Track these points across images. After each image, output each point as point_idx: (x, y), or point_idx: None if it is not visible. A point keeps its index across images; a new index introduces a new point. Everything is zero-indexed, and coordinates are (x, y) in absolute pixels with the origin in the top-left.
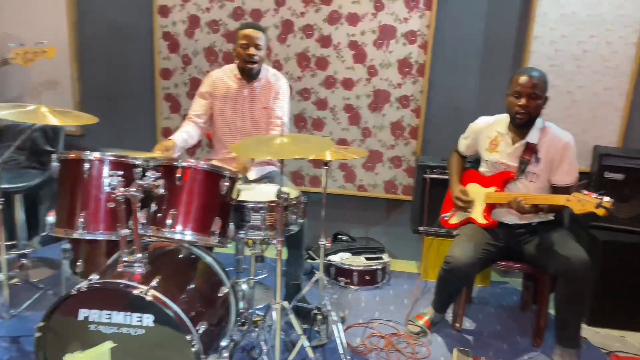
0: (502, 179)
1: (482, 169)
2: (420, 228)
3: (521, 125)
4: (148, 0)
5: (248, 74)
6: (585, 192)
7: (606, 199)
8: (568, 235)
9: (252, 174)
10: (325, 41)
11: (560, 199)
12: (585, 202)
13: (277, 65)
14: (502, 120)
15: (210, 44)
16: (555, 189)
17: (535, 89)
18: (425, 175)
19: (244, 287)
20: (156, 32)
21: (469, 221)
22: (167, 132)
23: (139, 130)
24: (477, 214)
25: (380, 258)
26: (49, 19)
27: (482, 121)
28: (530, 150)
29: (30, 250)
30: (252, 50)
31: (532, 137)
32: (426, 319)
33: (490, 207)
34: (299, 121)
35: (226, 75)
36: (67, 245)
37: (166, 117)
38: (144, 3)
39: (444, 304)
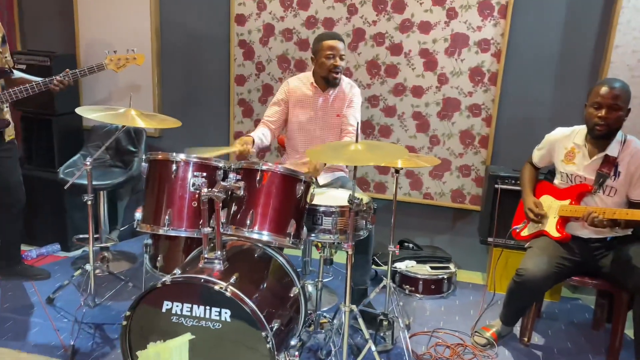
0: (578, 192)
1: (557, 181)
2: (489, 239)
3: (600, 136)
4: (226, 9)
5: (332, 84)
6: None
7: None
8: None
9: (321, 179)
10: (395, 49)
11: None
12: None
13: (347, 73)
14: (579, 131)
15: (283, 51)
16: (634, 205)
17: (617, 100)
18: (496, 186)
19: (310, 289)
20: (232, 39)
21: (542, 234)
22: (239, 136)
23: (212, 134)
24: (551, 227)
25: (447, 267)
26: (133, 26)
27: (559, 132)
28: (610, 163)
29: (111, 244)
30: (337, 61)
31: (612, 150)
32: (493, 331)
33: (564, 220)
34: (366, 128)
35: (302, 83)
36: (149, 241)
37: (239, 122)
38: (222, 12)
39: (513, 317)
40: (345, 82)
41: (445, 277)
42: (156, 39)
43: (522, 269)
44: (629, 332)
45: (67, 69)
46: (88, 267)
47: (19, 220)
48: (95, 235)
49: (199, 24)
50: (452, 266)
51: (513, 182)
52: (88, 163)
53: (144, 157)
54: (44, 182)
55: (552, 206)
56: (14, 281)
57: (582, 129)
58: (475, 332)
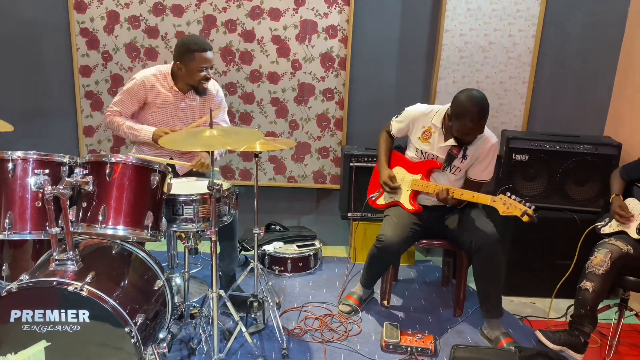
0: (428, 168)
1: (410, 153)
2: (348, 214)
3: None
4: None
5: (201, 93)
6: (513, 196)
7: (530, 205)
8: (481, 212)
9: (181, 169)
10: (248, 35)
11: (486, 199)
12: (510, 206)
13: None
14: (437, 112)
15: (131, 39)
16: (469, 182)
17: (479, 130)
18: (351, 164)
19: (178, 281)
20: (73, 27)
21: (396, 204)
22: (89, 131)
23: (58, 130)
24: (404, 199)
25: (312, 245)
26: None
27: (419, 109)
28: (460, 147)
29: None
30: (210, 73)
31: None
32: (355, 298)
33: (415, 193)
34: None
35: (161, 84)
36: None
37: (87, 115)
38: None
39: (372, 279)
40: (210, 83)
41: (312, 253)
42: None
43: (382, 235)
44: (472, 284)
45: None
46: None
47: None
48: None
49: (33, 11)
50: (317, 243)
51: (366, 159)
52: None
53: None
54: None
55: (404, 179)
56: None
57: (440, 110)
58: (340, 301)
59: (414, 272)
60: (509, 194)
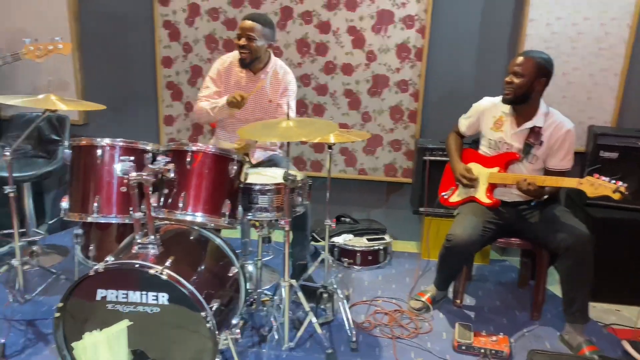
0: (506, 160)
1: (484, 148)
2: (421, 209)
3: (507, 101)
4: None
5: (241, 64)
6: (598, 176)
7: (622, 184)
8: (566, 210)
9: (254, 158)
10: (324, 27)
11: (572, 182)
12: (599, 186)
13: (277, 52)
14: None
15: (210, 31)
16: (549, 173)
17: (518, 67)
18: (425, 158)
19: (251, 268)
20: (157, 20)
21: (470, 200)
22: (169, 120)
23: (141, 118)
24: (480, 194)
25: (382, 239)
26: (49, 12)
27: (487, 101)
28: (535, 133)
29: (39, 238)
30: (242, 41)
31: (538, 120)
32: (428, 296)
33: (492, 187)
34: (299, 107)
35: (234, 65)
36: (79, 231)
37: (168, 105)
38: None
39: (445, 281)
40: (278, 65)
41: (382, 247)
42: (75, 24)
43: (451, 235)
44: (551, 287)
45: None
46: (15, 262)
47: None
48: (22, 230)
49: (120, 5)
50: (387, 237)
51: (441, 153)
52: (7, 154)
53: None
54: None
55: (480, 173)
56: None
57: None
58: (411, 298)
59: (489, 271)
60: (596, 175)
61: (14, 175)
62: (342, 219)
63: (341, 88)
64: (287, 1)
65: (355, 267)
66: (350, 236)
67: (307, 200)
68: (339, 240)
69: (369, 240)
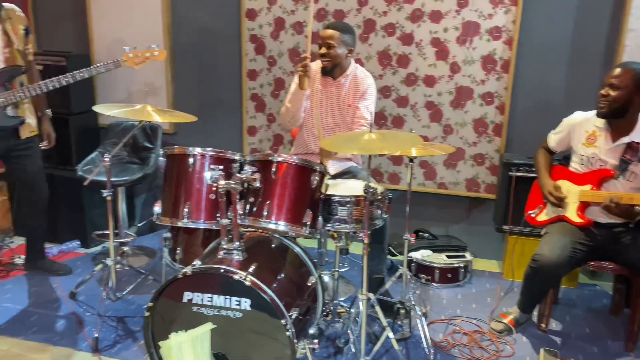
0: (600, 177)
1: (575, 165)
2: (504, 227)
3: (602, 115)
4: (236, 4)
5: (322, 71)
6: None
7: None
8: None
9: (331, 169)
10: (407, 39)
11: None
12: None
13: (358, 64)
14: None
15: (294, 45)
16: None
17: (615, 80)
18: (510, 173)
19: (327, 279)
20: (244, 34)
21: (559, 219)
22: (252, 130)
23: (225, 129)
24: (571, 212)
25: (463, 256)
26: (145, 24)
27: (579, 115)
28: (632, 149)
29: (130, 239)
30: (322, 50)
31: (636, 135)
32: (510, 318)
33: (584, 206)
34: (379, 118)
35: (317, 72)
36: (168, 234)
37: (252, 116)
38: (232, 7)
39: (530, 304)
40: (359, 70)
41: (462, 265)
42: (168, 37)
43: (538, 255)
44: None
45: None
46: (109, 261)
47: (44, 216)
48: (115, 231)
49: (210, 20)
50: (468, 255)
51: (528, 169)
52: (107, 159)
53: (160, 153)
54: (62, 180)
55: (570, 191)
56: (38, 276)
57: None
58: (493, 319)
59: (577, 295)
60: None
61: (111, 179)
62: (421, 233)
63: (422, 100)
64: (370, 14)
65: (433, 284)
66: (429, 252)
67: (387, 213)
68: (417, 255)
69: (448, 257)
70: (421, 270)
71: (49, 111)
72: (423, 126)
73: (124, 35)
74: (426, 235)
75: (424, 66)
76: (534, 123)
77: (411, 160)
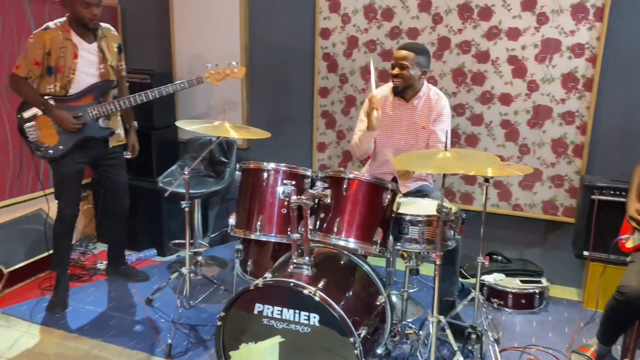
0: None
1: None
2: (585, 253)
3: None
4: (311, 24)
5: (394, 92)
6: None
7: None
8: None
9: (403, 188)
10: (482, 56)
11: None
12: None
13: (432, 81)
14: None
15: (366, 62)
16: None
17: None
18: (592, 197)
19: (395, 299)
20: (317, 53)
21: None
22: (321, 146)
23: (296, 144)
24: None
25: (538, 282)
26: (224, 43)
27: None
28: None
29: (204, 249)
30: (395, 70)
31: None
32: (592, 351)
33: None
34: (452, 137)
35: (388, 96)
36: (240, 246)
37: (322, 133)
38: (307, 26)
39: (611, 337)
40: (432, 91)
41: (537, 291)
42: (245, 55)
43: (624, 286)
44: None
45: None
46: (184, 270)
47: (125, 223)
48: (190, 241)
49: (285, 38)
50: (544, 280)
51: (612, 192)
52: (186, 172)
53: (236, 167)
54: (143, 191)
55: None
56: (118, 281)
57: None
58: (573, 351)
59: None
60: None
61: (189, 191)
62: (494, 256)
63: (498, 118)
64: (445, 32)
65: (506, 309)
66: (502, 276)
67: (460, 234)
68: (490, 279)
69: (522, 281)
70: (494, 294)
71: (135, 123)
72: (498, 145)
73: (204, 54)
74: (499, 258)
75: (500, 84)
76: (619, 144)
77: (487, 180)
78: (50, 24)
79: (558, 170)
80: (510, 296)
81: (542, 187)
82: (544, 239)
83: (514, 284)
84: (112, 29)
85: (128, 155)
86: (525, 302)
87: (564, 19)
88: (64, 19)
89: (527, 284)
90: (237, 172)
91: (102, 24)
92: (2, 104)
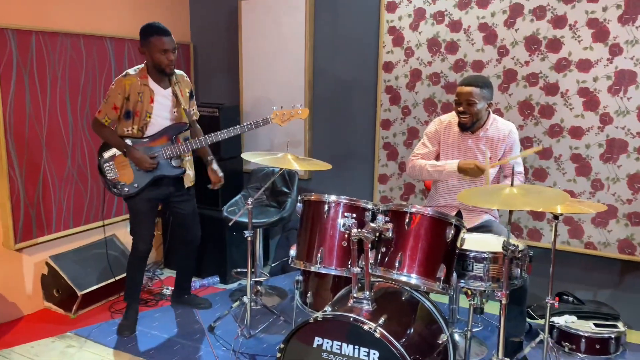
0: None
1: None
2: None
3: None
4: (374, 58)
5: (461, 128)
6: None
7: None
8: None
9: (468, 222)
10: (551, 89)
11: None
12: None
13: (498, 113)
14: None
15: (430, 95)
16: None
17: None
18: None
19: (458, 338)
20: (380, 86)
21: None
22: (383, 178)
23: (358, 176)
24: None
25: (614, 326)
26: (289, 79)
27: None
28: None
29: (264, 279)
30: (461, 108)
31: None
32: None
33: None
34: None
35: (451, 123)
36: (300, 277)
37: (383, 165)
38: (370, 60)
39: None
40: (499, 122)
41: (613, 336)
42: (309, 90)
43: None
44: None
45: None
46: (245, 299)
47: (194, 255)
48: (251, 270)
49: (348, 72)
50: (620, 325)
51: None
52: (249, 202)
53: (297, 197)
54: (209, 220)
55: None
56: (182, 307)
57: None
58: None
59: None
60: None
61: (252, 221)
62: (564, 297)
63: (568, 152)
64: (511, 64)
65: (578, 354)
66: (574, 318)
67: (527, 273)
68: (560, 321)
69: (596, 325)
70: (564, 337)
71: (210, 158)
72: (568, 180)
73: (269, 88)
74: (570, 299)
75: (570, 117)
76: None
77: (556, 217)
78: (130, 70)
79: (635, 207)
80: (583, 340)
81: (617, 224)
82: (619, 280)
83: (587, 328)
84: (185, 75)
85: (211, 186)
86: (599, 348)
87: (638, 49)
88: (142, 65)
89: (602, 327)
90: (298, 204)
91: (177, 71)
92: (85, 140)
